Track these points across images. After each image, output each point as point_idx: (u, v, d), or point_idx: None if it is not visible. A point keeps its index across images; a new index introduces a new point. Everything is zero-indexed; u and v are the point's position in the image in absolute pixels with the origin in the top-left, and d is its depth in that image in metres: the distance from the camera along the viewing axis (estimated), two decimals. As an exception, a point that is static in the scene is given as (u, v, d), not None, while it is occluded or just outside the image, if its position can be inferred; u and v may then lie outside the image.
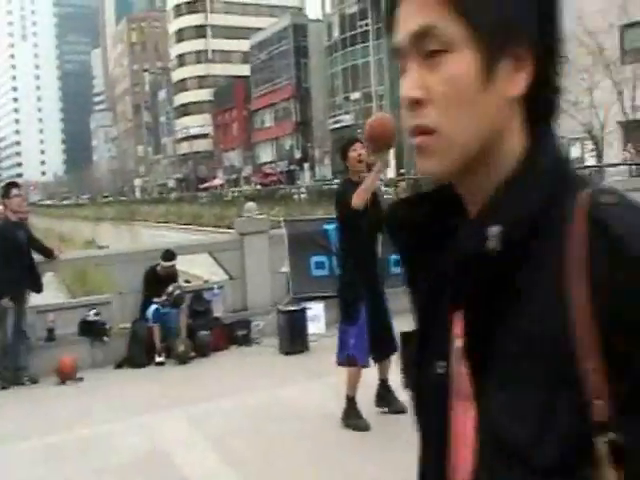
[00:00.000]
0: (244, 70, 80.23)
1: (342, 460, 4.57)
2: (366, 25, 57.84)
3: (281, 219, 9.84)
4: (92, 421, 5.81)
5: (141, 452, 4.97)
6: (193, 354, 7.62)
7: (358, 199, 4.86)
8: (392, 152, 37.67)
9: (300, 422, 5.31)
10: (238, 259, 8.60)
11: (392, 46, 0.75)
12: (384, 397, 5.31)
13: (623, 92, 28.65)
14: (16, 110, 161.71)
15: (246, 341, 8.12)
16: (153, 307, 7.64)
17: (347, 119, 58.23)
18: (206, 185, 78.01)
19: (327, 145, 59.30)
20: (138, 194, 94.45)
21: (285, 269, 8.71)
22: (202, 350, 7.71)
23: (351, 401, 5.09)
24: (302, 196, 43.61)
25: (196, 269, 13.77)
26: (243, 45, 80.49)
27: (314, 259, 8.58)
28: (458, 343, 0.76)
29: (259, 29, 76.86)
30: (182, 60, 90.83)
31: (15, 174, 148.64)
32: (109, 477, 4.64)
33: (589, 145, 31.09)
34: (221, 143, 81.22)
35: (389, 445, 4.68)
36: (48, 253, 7.75)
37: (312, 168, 64.18)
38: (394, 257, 8.43)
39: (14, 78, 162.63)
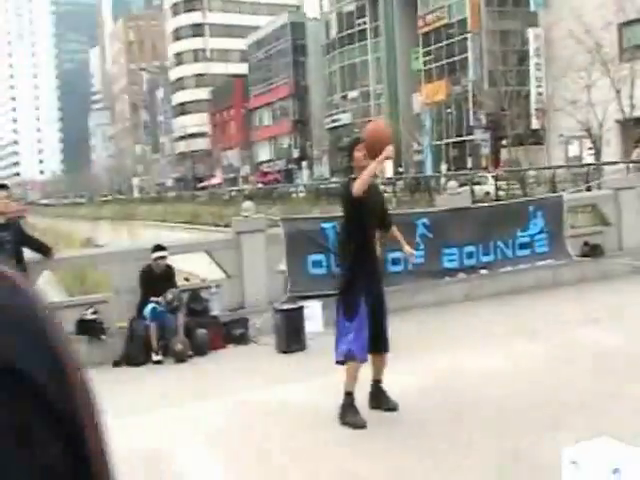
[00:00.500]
0: (242, 69, 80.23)
1: (338, 458, 4.57)
2: (364, 23, 57.87)
3: (278, 218, 9.84)
4: (89, 420, 5.80)
5: (138, 450, 4.96)
6: (190, 353, 7.62)
7: (360, 183, 4.94)
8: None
9: (297, 420, 5.31)
10: (235, 258, 8.59)
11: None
12: (377, 397, 5.30)
13: (621, 90, 28.66)
14: (14, 109, 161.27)
15: (243, 340, 8.12)
16: (150, 306, 7.64)
17: (345, 118, 58.26)
18: (204, 184, 77.97)
19: (325, 144, 59.32)
20: (136, 193, 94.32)
21: (282, 268, 8.71)
22: (199, 349, 7.71)
23: (349, 397, 5.07)
24: (300, 195, 43.66)
25: (193, 268, 13.75)
26: (241, 43, 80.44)
27: (311, 258, 8.57)
28: None
29: (257, 27, 76.87)
30: (180, 59, 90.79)
31: (13, 173, 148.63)
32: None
33: (587, 143, 31.15)
34: (219, 142, 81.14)
35: (385, 443, 4.68)
36: (46, 250, 7.74)
37: (310, 167, 64.20)
38: (392, 256, 8.43)
39: (11, 77, 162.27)
